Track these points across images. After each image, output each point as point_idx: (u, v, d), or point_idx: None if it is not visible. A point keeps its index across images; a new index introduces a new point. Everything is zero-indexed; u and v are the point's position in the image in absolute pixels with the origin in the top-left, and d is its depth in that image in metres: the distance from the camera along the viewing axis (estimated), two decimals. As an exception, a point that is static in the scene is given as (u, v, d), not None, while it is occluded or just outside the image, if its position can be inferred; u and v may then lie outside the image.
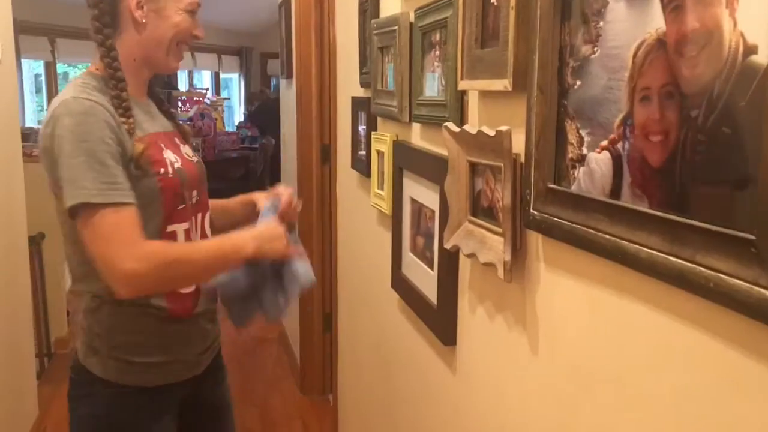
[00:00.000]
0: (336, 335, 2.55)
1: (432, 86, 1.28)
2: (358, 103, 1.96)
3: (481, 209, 1.05)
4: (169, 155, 1.27)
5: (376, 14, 1.70)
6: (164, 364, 1.30)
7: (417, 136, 1.43)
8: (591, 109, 0.75)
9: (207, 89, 8.64)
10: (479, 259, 1.01)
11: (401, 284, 1.51)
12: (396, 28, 1.41)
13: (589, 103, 0.75)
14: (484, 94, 1.06)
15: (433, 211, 1.29)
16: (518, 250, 0.95)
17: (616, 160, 0.71)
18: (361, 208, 2.01)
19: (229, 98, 9.77)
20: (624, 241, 0.68)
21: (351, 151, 2.05)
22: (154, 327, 1.27)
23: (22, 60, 7.67)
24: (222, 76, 9.53)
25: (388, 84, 1.53)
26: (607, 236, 0.71)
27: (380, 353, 1.83)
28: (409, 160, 1.45)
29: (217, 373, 1.46)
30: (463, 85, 1.07)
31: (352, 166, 2.05)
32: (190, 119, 7.08)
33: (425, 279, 1.35)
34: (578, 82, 0.78)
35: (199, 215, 1.35)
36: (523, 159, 0.91)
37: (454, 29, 1.12)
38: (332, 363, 2.72)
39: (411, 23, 1.38)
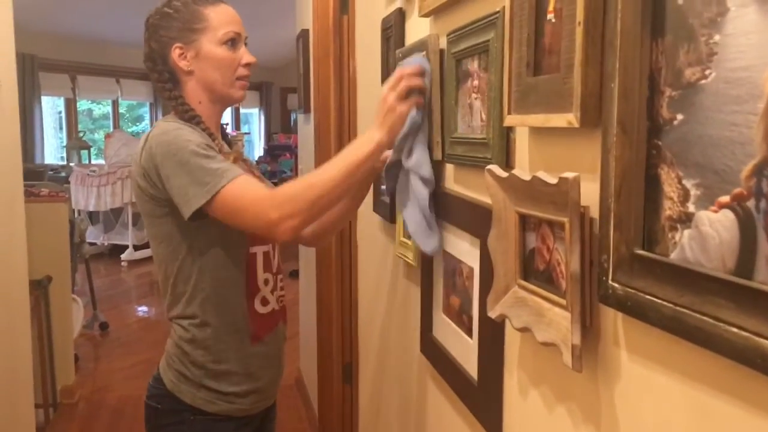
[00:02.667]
0: (357, 389, 2.33)
1: (469, 122, 1.09)
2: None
3: (535, 272, 0.85)
4: None
5: (401, 42, 1.53)
6: (248, 393, 1.38)
7: (450, 179, 1.23)
8: (701, 153, 0.56)
9: (227, 124, 8.62)
10: (536, 336, 0.81)
11: (432, 349, 1.31)
12: (423, 53, 1.23)
13: (698, 145, 0.56)
14: (538, 132, 0.87)
15: (472, 269, 1.09)
16: (588, 328, 0.75)
17: (745, 223, 0.51)
18: (384, 256, 1.82)
19: (249, 133, 9.74)
20: (766, 341, 0.48)
21: (372, 191, 1.86)
22: (241, 351, 1.35)
23: (44, 97, 7.70)
24: (242, 110, 9.52)
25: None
26: (735, 330, 0.51)
27: (407, 422, 1.61)
28: (441, 207, 1.25)
29: (273, 408, 1.57)
30: (510, 120, 0.88)
31: (373, 209, 1.86)
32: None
33: (462, 348, 1.14)
34: (679, 117, 0.58)
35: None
36: (594, 214, 0.71)
37: (498, 54, 0.93)
38: (353, 420, 2.49)
39: (442, 50, 1.20)
